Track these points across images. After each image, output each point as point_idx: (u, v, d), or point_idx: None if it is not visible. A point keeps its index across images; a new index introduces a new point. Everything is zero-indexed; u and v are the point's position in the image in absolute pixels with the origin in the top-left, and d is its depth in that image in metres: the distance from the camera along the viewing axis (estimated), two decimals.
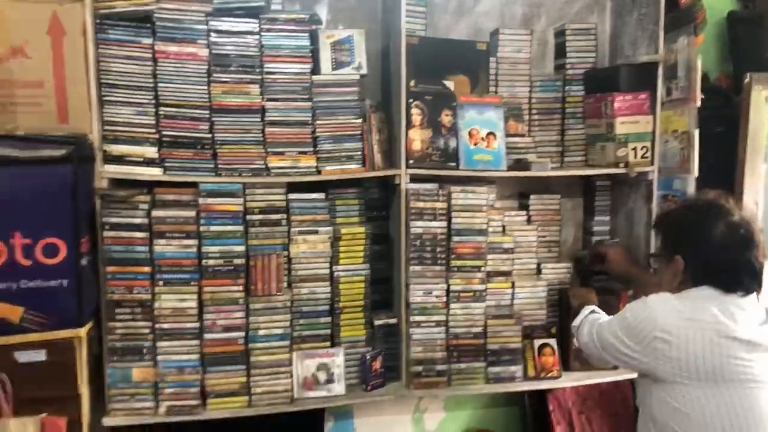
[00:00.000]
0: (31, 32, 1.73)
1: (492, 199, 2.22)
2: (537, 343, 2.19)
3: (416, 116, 2.08)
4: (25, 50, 1.73)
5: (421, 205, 2.06)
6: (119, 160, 1.89)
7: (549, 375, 2.18)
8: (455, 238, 2.09)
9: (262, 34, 1.94)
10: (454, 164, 2.11)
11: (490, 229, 2.15)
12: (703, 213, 1.52)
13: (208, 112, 1.93)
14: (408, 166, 2.07)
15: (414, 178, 2.08)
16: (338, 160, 2.04)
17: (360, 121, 2.04)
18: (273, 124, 1.98)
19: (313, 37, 2.00)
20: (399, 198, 2.07)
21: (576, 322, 1.80)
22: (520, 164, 2.20)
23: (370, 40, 2.11)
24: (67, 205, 1.68)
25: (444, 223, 2.08)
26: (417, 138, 2.08)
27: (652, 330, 1.48)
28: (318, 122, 2.01)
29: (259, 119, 1.97)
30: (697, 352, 1.43)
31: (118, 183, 1.90)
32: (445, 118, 2.12)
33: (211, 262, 1.92)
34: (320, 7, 2.20)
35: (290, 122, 1.99)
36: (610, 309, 1.88)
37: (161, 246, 1.88)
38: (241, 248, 1.94)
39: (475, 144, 2.13)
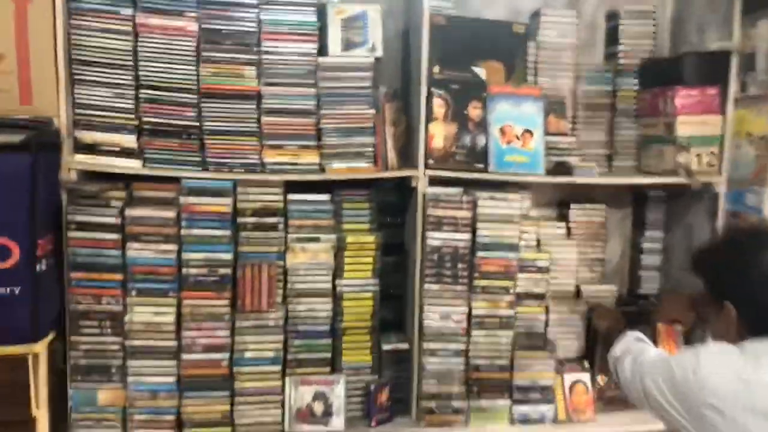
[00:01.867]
0: None
1: (525, 208, 1.89)
2: (568, 379, 1.86)
3: (439, 108, 1.78)
4: None
5: (441, 212, 1.75)
6: (91, 149, 1.64)
7: (582, 418, 1.84)
8: (480, 253, 1.77)
9: (261, 7, 1.66)
10: (482, 165, 1.80)
11: (523, 243, 1.82)
12: (746, 245, 1.20)
13: (195, 96, 1.67)
14: (427, 167, 1.76)
15: (434, 181, 1.77)
16: (346, 156, 1.75)
17: (372, 111, 1.75)
18: (270, 112, 1.70)
19: (321, 13, 1.72)
20: (415, 203, 1.77)
21: (615, 351, 1.42)
22: (561, 168, 1.87)
23: (388, 18, 1.81)
24: (22, 201, 1.44)
25: (467, 235, 1.77)
26: (439, 133, 1.77)
27: (702, 395, 1.13)
28: (323, 112, 1.72)
29: (254, 106, 1.69)
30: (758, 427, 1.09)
31: (88, 176, 1.65)
32: (474, 111, 1.80)
33: (192, 270, 1.65)
34: None
35: (291, 111, 1.71)
36: None
37: (135, 250, 1.62)
38: (229, 256, 1.67)
39: (508, 143, 1.81)
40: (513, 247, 1.79)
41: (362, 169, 1.76)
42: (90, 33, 1.60)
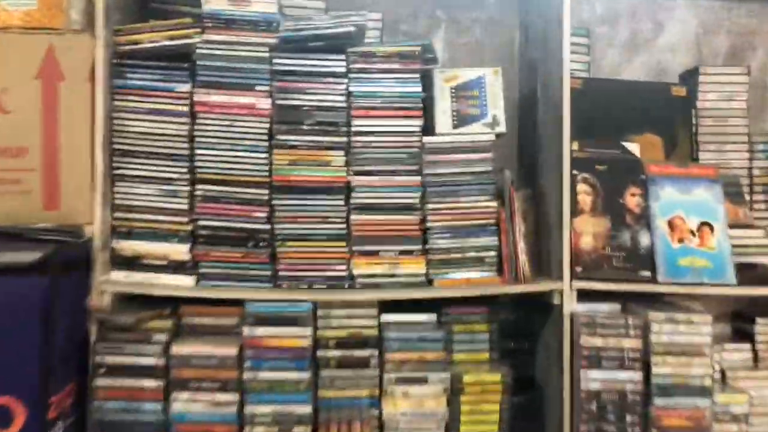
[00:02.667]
0: (12, 74, 1.17)
1: (709, 332, 1.36)
2: None
3: (585, 197, 1.32)
4: (1, 101, 1.16)
5: (599, 342, 1.25)
6: (132, 263, 1.26)
7: None
8: (658, 400, 1.25)
9: (352, 76, 1.29)
10: (647, 273, 1.31)
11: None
12: None
13: (267, 191, 1.28)
14: (574, 277, 1.29)
15: (583, 293, 1.29)
16: (461, 264, 1.31)
17: (495, 203, 1.31)
18: (362, 209, 1.29)
19: (426, 81, 1.33)
20: (559, 328, 1.28)
21: None
22: (752, 273, 1.35)
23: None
24: (32, 345, 1.04)
25: (638, 374, 1.25)
26: (587, 231, 1.31)
27: None
28: (430, 206, 1.30)
29: (341, 202, 1.29)
30: None
31: (126, 301, 1.25)
32: (631, 199, 1.34)
33: (259, 429, 1.19)
34: (434, 40, 1.54)
35: (388, 206, 1.30)
36: None
37: (182, 403, 1.18)
38: (307, 409, 1.21)
39: (681, 241, 1.33)
40: (704, 391, 1.26)
41: (484, 280, 1.31)
42: (137, 116, 1.25)
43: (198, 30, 1.26)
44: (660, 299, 1.32)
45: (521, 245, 1.31)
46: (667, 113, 1.43)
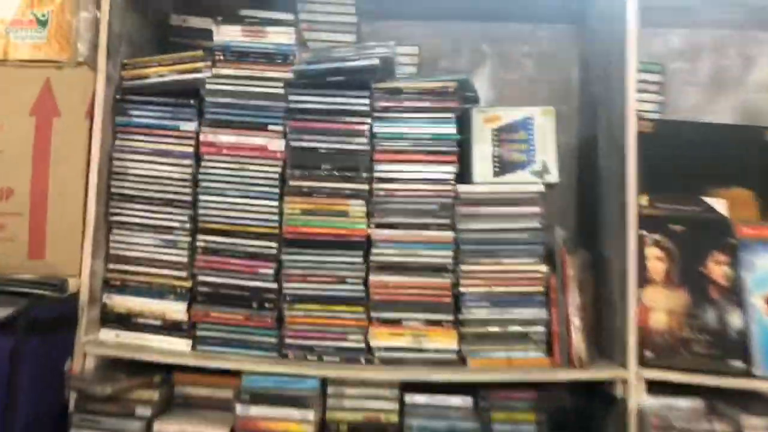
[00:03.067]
0: (6, 110, 1.07)
1: None
2: None
3: (656, 264, 1.08)
4: None
5: None
6: (124, 321, 1.11)
7: None
8: None
9: (376, 115, 1.12)
10: (740, 364, 1.04)
11: None
12: None
13: (275, 244, 1.12)
14: (643, 364, 1.04)
15: (655, 385, 1.03)
16: (501, 340, 1.09)
17: (544, 268, 1.09)
18: (384, 268, 1.10)
19: (463, 122, 1.15)
20: (623, 426, 1.02)
21: None
22: None
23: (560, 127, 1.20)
24: None
25: None
26: (659, 306, 1.06)
27: None
28: (465, 267, 1.10)
29: (360, 259, 1.11)
30: None
31: (116, 363, 1.10)
32: (716, 268, 1.08)
33: None
34: (475, 76, 1.37)
35: (415, 266, 1.10)
36: None
37: None
38: None
39: None
40: None
41: (529, 361, 1.07)
42: (138, 156, 1.13)
43: (208, 63, 1.13)
44: (756, 398, 1.04)
45: (575, 321, 1.07)
46: (760, 163, 1.17)
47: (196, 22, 1.30)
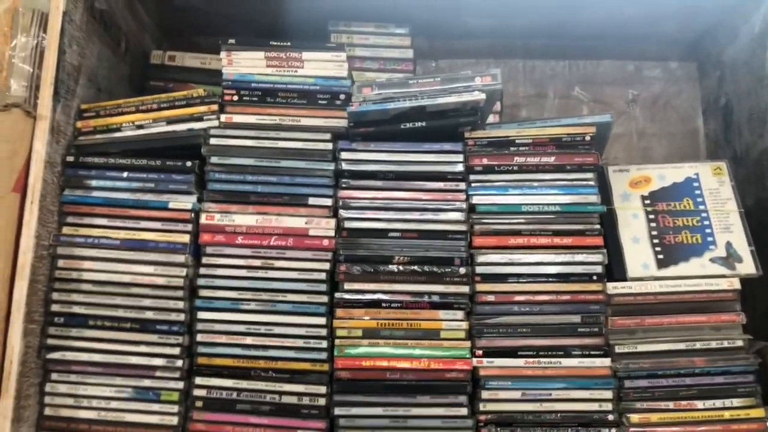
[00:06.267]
0: None
1: None
2: None
3: None
4: None
5: None
6: None
7: None
8: None
9: (476, 178, 0.73)
10: None
11: None
12: None
13: (324, 389, 0.68)
14: None
15: None
16: None
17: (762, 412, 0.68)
18: (503, 424, 0.67)
19: (603, 185, 0.76)
20: None
21: None
22: None
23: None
24: None
25: None
26: None
27: None
28: (634, 418, 0.67)
29: (464, 411, 0.68)
30: None
31: None
32: None
33: None
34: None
35: (550, 421, 0.67)
36: None
37: None
38: None
39: None
40: None
41: None
42: (100, 254, 0.71)
43: (213, 107, 0.74)
44: None
45: None
46: None
47: (189, 59, 0.92)
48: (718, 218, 0.76)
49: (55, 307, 0.69)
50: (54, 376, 0.68)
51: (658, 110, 1.06)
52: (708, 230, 0.76)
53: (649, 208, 0.77)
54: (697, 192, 0.78)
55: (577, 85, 1.07)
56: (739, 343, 0.70)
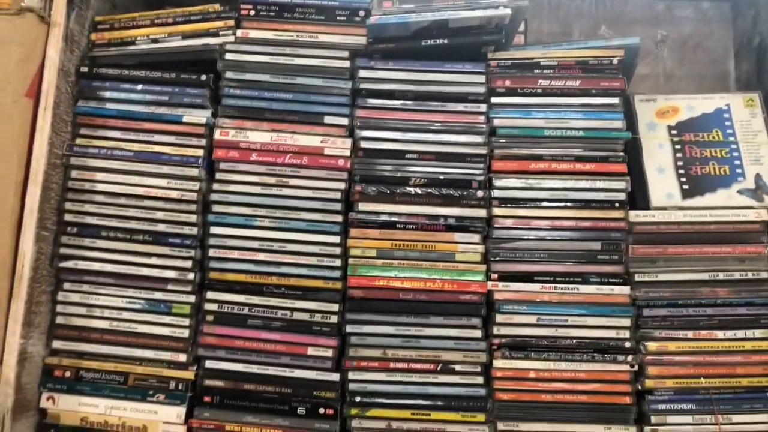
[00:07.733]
0: None
1: None
2: None
3: None
4: None
5: None
6: None
7: None
8: None
9: (498, 100, 0.71)
10: None
11: None
12: None
13: (337, 307, 0.68)
14: None
15: None
16: None
17: None
18: (517, 348, 0.66)
19: (629, 115, 0.74)
20: None
21: None
22: None
23: None
24: None
25: None
26: None
27: None
28: (651, 346, 0.66)
29: (478, 333, 0.67)
30: None
31: None
32: None
33: None
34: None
35: (565, 347, 0.66)
36: None
37: None
38: None
39: None
40: None
41: None
42: (112, 165, 0.70)
43: (230, 22, 0.72)
44: None
45: None
46: None
47: None
48: (748, 150, 0.73)
49: (68, 217, 0.69)
50: (66, 285, 0.68)
51: (687, 52, 1.02)
52: (737, 161, 0.73)
53: (675, 138, 0.74)
54: (728, 123, 0.75)
55: (604, 23, 1.03)
56: (764, 275, 0.68)
